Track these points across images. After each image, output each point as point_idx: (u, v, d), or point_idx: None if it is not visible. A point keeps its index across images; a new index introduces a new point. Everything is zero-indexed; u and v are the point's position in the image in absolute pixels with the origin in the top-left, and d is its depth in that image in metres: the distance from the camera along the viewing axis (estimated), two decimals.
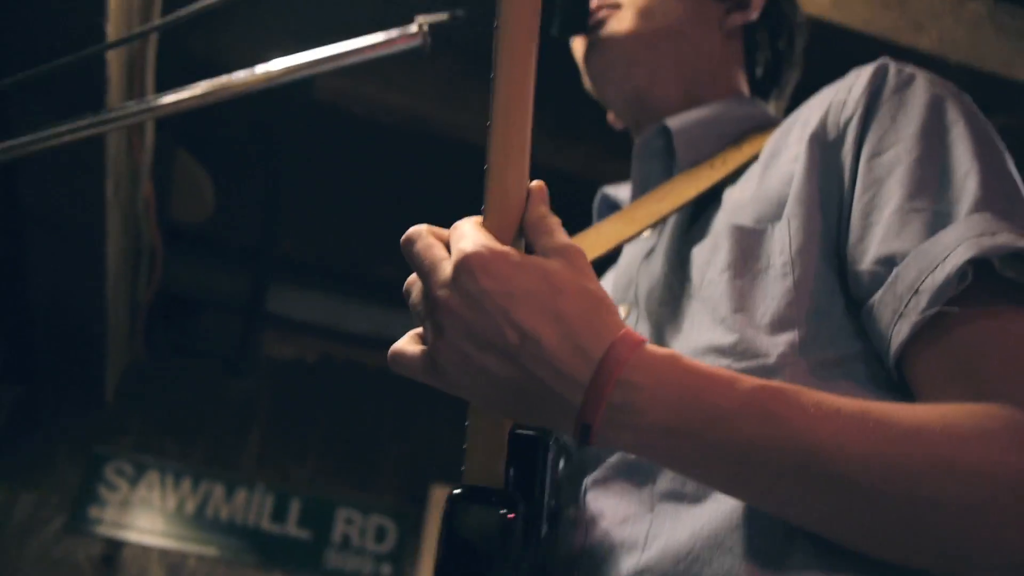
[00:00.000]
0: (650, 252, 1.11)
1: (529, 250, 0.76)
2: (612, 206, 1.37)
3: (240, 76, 1.31)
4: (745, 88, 1.34)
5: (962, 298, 0.80)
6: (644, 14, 1.27)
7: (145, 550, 4.05)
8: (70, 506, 3.98)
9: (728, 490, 0.78)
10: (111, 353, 3.68)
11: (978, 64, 2.53)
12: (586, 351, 0.71)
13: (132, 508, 4.11)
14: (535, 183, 0.77)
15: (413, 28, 1.34)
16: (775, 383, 0.75)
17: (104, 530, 4.04)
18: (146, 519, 4.11)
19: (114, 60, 2.11)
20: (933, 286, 0.81)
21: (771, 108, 1.39)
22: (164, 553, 4.06)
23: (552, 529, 0.89)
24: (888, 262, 0.86)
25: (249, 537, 4.18)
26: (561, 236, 0.75)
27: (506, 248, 0.72)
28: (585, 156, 3.06)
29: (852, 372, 0.88)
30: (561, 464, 1.00)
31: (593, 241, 1.12)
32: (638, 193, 1.25)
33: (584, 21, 1.32)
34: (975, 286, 0.80)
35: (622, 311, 1.11)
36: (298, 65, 1.32)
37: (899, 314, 0.83)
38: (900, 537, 0.72)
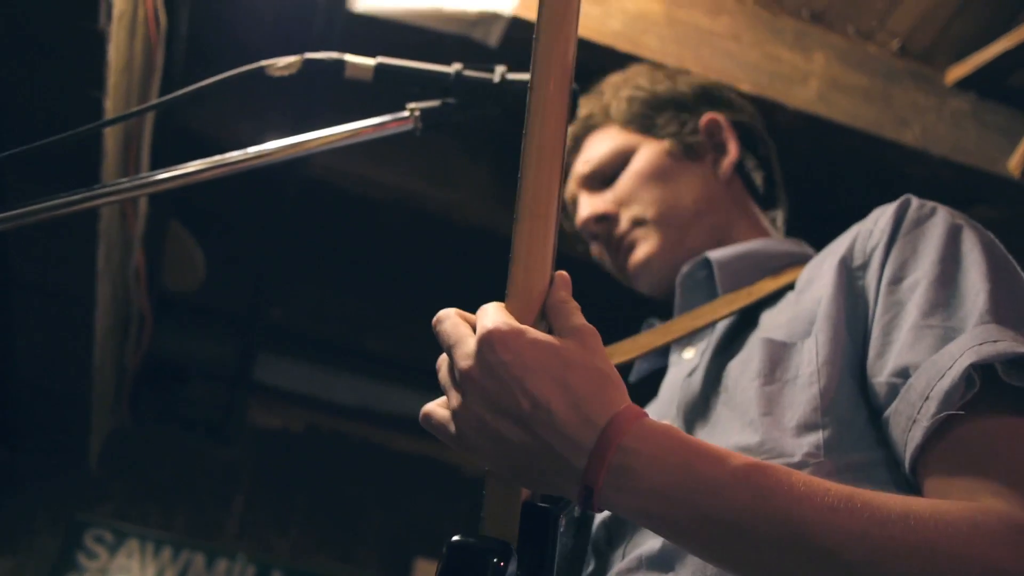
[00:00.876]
0: (692, 371, 1.19)
1: (550, 331, 0.83)
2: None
3: (235, 155, 1.34)
4: (763, 218, 1.46)
5: (970, 404, 0.86)
6: (664, 220, 1.40)
7: None
8: (48, 574, 3.92)
9: (717, 558, 0.82)
10: (95, 419, 3.66)
11: (961, 158, 2.57)
12: (591, 419, 0.77)
13: None
14: (558, 273, 0.85)
15: (405, 113, 1.39)
16: (769, 463, 0.80)
17: None
18: None
19: (111, 135, 2.15)
20: (941, 392, 0.87)
21: (779, 217, 1.49)
22: None
23: None
24: (903, 373, 0.93)
25: None
26: (578, 318, 0.82)
27: (524, 327, 0.79)
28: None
29: (873, 476, 0.93)
30: (591, 565, 1.06)
31: (629, 347, 1.23)
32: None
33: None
34: (982, 393, 0.86)
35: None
36: (291, 145, 1.36)
37: (912, 420, 0.89)
38: None
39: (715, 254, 1.32)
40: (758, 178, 1.48)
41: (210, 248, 3.44)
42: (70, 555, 4.04)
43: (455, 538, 0.84)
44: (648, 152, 1.44)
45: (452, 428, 0.82)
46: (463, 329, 0.82)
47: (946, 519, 0.76)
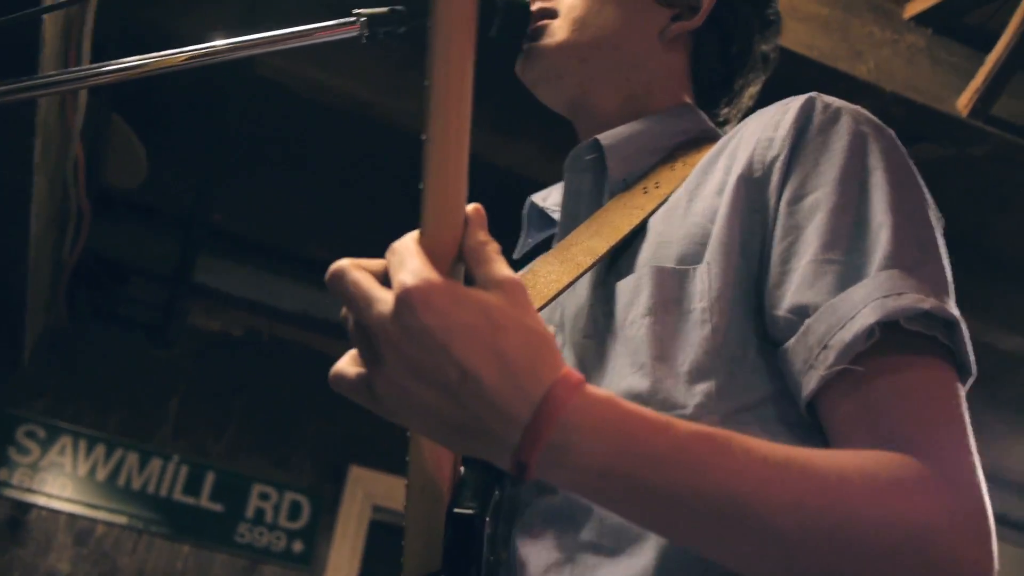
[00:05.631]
0: (578, 287, 1.12)
1: (468, 277, 0.76)
2: (542, 216, 1.37)
3: (177, 52, 1.29)
4: (688, 96, 1.34)
5: (869, 353, 0.85)
6: (577, 25, 1.27)
7: (53, 515, 3.98)
8: None
9: (658, 530, 0.82)
10: (30, 315, 3.60)
11: (911, 95, 2.59)
12: (526, 390, 0.71)
13: (42, 472, 4.04)
14: (472, 206, 0.76)
15: (351, 19, 1.34)
16: (707, 429, 0.79)
17: (11, 493, 3.97)
18: (56, 484, 4.04)
19: (50, 24, 2.07)
20: (841, 343, 0.85)
21: (723, 113, 1.38)
22: (72, 519, 4.00)
23: None
24: (801, 311, 0.90)
25: (160, 508, 4.14)
26: (501, 267, 0.74)
27: (447, 282, 0.71)
28: (529, 152, 3.07)
29: (763, 416, 0.92)
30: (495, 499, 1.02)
31: (531, 285, 1.11)
32: (569, 208, 1.25)
33: (524, 26, 1.33)
34: (881, 343, 0.85)
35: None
36: (231, 46, 1.30)
37: (809, 365, 0.87)
38: None
39: (606, 136, 1.21)
40: (709, 66, 1.33)
41: (153, 145, 3.35)
42: (1, 449, 4.01)
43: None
44: None
45: (370, 393, 0.74)
46: (370, 284, 0.72)
47: (874, 484, 0.78)
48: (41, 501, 4.00)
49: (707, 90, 1.35)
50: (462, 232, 0.74)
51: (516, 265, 1.42)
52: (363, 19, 1.33)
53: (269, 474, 4.33)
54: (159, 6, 2.67)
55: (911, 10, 2.71)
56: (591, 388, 0.75)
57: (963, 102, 2.63)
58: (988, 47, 2.63)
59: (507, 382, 0.70)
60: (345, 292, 0.73)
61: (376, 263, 0.75)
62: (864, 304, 0.86)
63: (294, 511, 4.32)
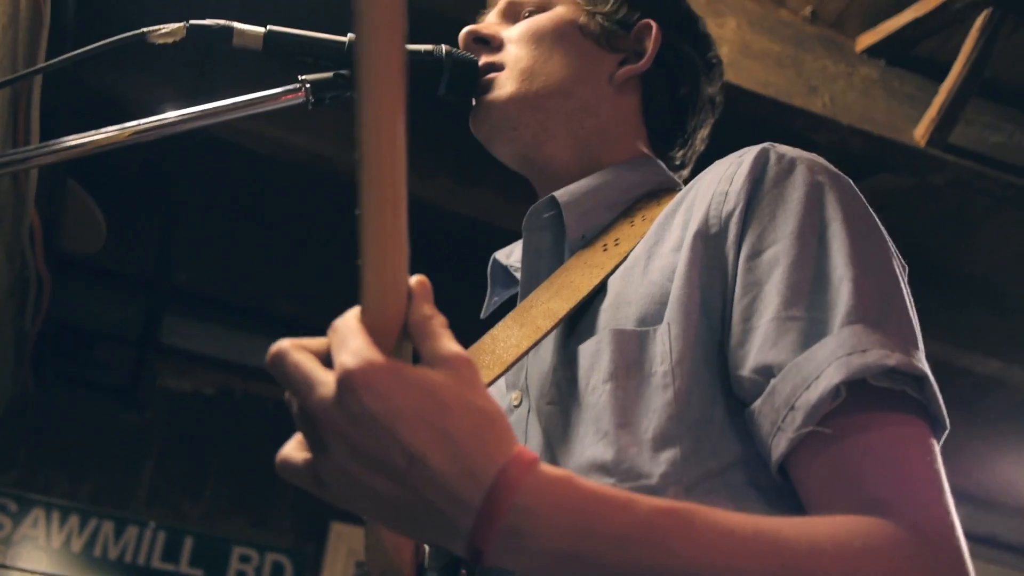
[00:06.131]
0: (540, 349, 1.10)
1: (415, 354, 0.73)
2: (506, 273, 1.35)
3: (124, 129, 1.29)
4: (644, 144, 1.32)
5: (838, 412, 0.82)
6: (526, 76, 1.25)
7: None
8: None
9: None
10: None
11: (868, 127, 2.60)
12: (476, 474, 0.68)
13: (15, 546, 3.96)
14: (416, 279, 0.73)
15: (296, 86, 1.33)
16: (670, 504, 0.75)
17: None
18: (30, 558, 3.96)
19: None
20: (807, 405, 0.82)
21: (678, 156, 1.36)
22: None
23: None
24: (766, 372, 0.87)
25: None
26: (448, 343, 0.71)
27: (389, 362, 0.67)
28: (487, 200, 3.05)
29: (732, 481, 0.89)
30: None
31: (490, 351, 1.09)
32: (530, 267, 1.23)
33: (473, 82, 1.31)
34: (849, 400, 0.82)
35: (514, 397, 1.10)
36: (182, 118, 1.30)
37: (777, 427, 0.85)
38: None
39: (562, 193, 1.18)
40: (660, 108, 1.32)
41: (110, 208, 3.32)
42: None
43: None
44: (561, 12, 1.28)
45: (317, 480, 0.71)
46: (311, 367, 0.69)
47: (847, 554, 0.75)
48: None
49: (661, 133, 1.33)
50: (406, 306, 0.71)
51: (484, 324, 1.40)
52: (307, 86, 1.31)
53: (249, 535, 4.26)
54: (107, 72, 2.65)
55: (863, 43, 2.72)
56: (545, 467, 0.72)
57: (920, 132, 2.63)
58: (941, 76, 2.64)
59: (456, 465, 0.67)
60: (286, 376, 0.70)
61: (318, 342, 0.72)
62: (828, 363, 0.83)
63: (276, 572, 4.25)
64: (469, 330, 1.41)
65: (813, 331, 0.87)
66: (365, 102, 0.66)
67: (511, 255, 1.34)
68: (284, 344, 0.71)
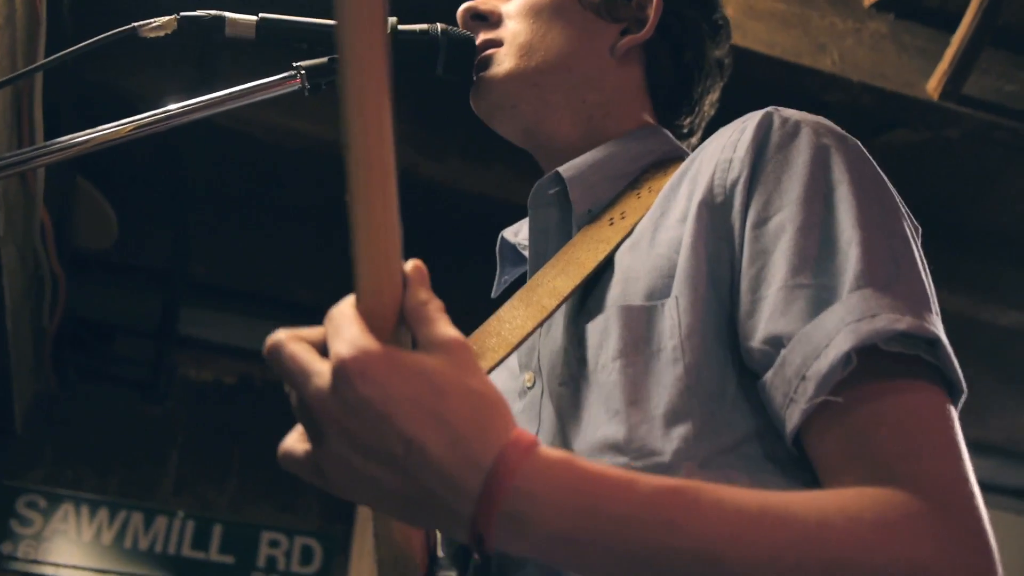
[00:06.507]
0: (550, 317, 1.08)
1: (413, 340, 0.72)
2: (515, 252, 1.33)
3: (126, 124, 1.29)
4: (648, 114, 1.30)
5: (850, 380, 0.80)
6: (524, 51, 1.22)
7: None
8: None
9: None
10: (16, 385, 3.56)
11: (880, 83, 2.55)
12: (475, 459, 0.67)
13: (46, 542, 4.00)
14: (412, 263, 0.71)
15: (291, 72, 1.31)
16: (674, 482, 0.74)
17: (18, 566, 3.93)
18: (62, 552, 4.00)
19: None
20: (818, 374, 0.80)
21: (686, 124, 1.34)
22: None
23: None
24: (775, 342, 0.85)
25: (170, 565, 4.09)
26: (444, 327, 0.69)
27: (384, 349, 0.66)
28: (498, 177, 3.02)
29: (747, 454, 0.87)
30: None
31: (496, 332, 1.07)
32: (537, 245, 1.21)
33: (471, 59, 1.29)
34: (861, 367, 0.80)
35: (527, 378, 1.09)
36: (182, 110, 1.29)
37: (789, 398, 0.83)
38: None
39: (567, 168, 1.15)
40: (664, 77, 1.28)
41: (121, 202, 3.32)
42: (3, 523, 3.97)
43: None
44: None
45: (318, 471, 0.71)
46: (307, 357, 0.69)
47: (858, 528, 0.73)
48: (48, 571, 3.96)
49: (667, 103, 1.30)
50: (401, 292, 0.70)
51: (495, 304, 1.38)
52: (302, 72, 1.29)
53: (277, 520, 4.29)
54: (107, 68, 2.63)
55: None
56: (545, 450, 0.70)
57: (933, 85, 2.58)
58: (952, 27, 2.58)
59: (454, 451, 0.66)
60: (282, 367, 0.69)
61: (315, 332, 0.71)
62: (838, 331, 0.81)
63: (306, 555, 4.28)
64: (484, 310, 1.40)
65: (821, 298, 0.84)
66: (348, 88, 0.65)
67: (519, 233, 1.32)
68: (280, 336, 0.70)
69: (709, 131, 1.34)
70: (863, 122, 2.63)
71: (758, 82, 2.47)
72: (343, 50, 0.64)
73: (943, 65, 2.57)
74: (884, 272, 0.85)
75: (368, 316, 0.68)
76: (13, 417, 3.81)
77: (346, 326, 0.68)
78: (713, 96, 1.36)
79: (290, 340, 0.70)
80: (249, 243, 3.74)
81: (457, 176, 3.02)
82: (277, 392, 4.34)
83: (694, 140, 1.37)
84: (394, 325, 0.69)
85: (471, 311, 1.44)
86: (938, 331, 0.82)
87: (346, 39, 0.64)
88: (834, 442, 0.81)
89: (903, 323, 0.80)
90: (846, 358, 0.79)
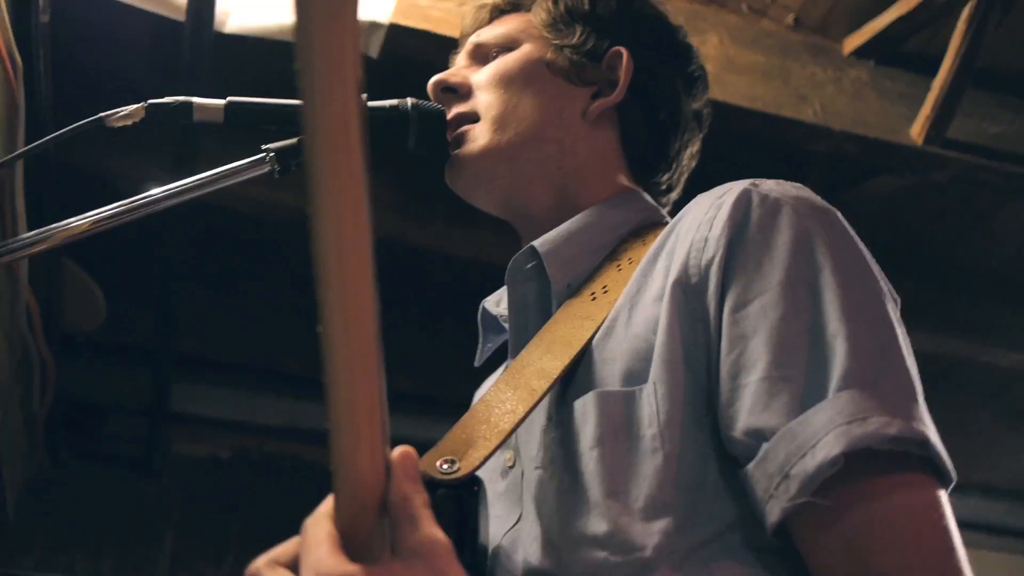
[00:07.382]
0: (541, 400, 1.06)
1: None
2: (495, 321, 1.31)
3: (98, 214, 1.33)
4: (625, 176, 1.27)
5: (837, 480, 0.78)
6: (497, 125, 1.21)
7: None
8: None
9: None
10: (7, 470, 3.50)
11: (863, 130, 2.55)
12: None
13: None
14: (399, 451, 0.69)
15: (261, 156, 1.32)
16: None
17: None
18: None
19: None
20: (804, 473, 0.78)
21: (664, 181, 1.31)
22: None
23: None
24: (758, 435, 0.83)
25: None
26: (424, 530, 0.67)
27: (355, 569, 0.64)
28: (486, 239, 3.01)
29: (729, 545, 0.85)
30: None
31: (486, 419, 1.03)
32: (517, 320, 1.18)
33: (442, 132, 1.27)
34: (850, 467, 0.78)
35: (507, 457, 1.06)
36: (161, 195, 1.33)
37: (770, 494, 0.81)
38: None
39: (542, 242, 1.13)
40: (638, 137, 1.26)
41: (107, 281, 3.30)
42: None
43: None
44: (527, 51, 1.24)
45: None
46: None
47: None
48: None
49: (643, 162, 1.28)
50: (385, 482, 0.67)
51: (480, 372, 1.36)
52: (271, 155, 1.29)
53: None
54: (88, 151, 2.62)
55: (850, 45, 2.67)
56: None
57: (916, 130, 2.57)
58: (933, 71, 2.59)
59: None
60: None
61: (291, 550, 0.72)
62: (826, 431, 0.79)
63: None
64: (475, 374, 1.36)
65: (807, 394, 0.82)
66: (317, 188, 0.58)
67: (500, 303, 1.30)
68: (258, 564, 0.73)
69: (692, 182, 1.32)
70: (847, 170, 2.62)
71: (741, 135, 2.46)
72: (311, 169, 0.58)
73: (925, 109, 2.57)
74: (871, 367, 0.82)
75: (344, 519, 0.66)
76: (5, 504, 3.74)
77: (315, 547, 0.66)
78: (692, 149, 1.34)
79: (265, 568, 0.72)
80: (237, 316, 3.72)
81: (436, 240, 3.02)
82: (274, 465, 4.27)
83: (674, 195, 1.35)
84: (375, 517, 0.67)
85: (464, 375, 1.41)
86: (926, 431, 0.80)
87: (315, 161, 0.58)
88: (826, 542, 0.79)
89: (894, 427, 0.78)
90: (835, 460, 0.77)
